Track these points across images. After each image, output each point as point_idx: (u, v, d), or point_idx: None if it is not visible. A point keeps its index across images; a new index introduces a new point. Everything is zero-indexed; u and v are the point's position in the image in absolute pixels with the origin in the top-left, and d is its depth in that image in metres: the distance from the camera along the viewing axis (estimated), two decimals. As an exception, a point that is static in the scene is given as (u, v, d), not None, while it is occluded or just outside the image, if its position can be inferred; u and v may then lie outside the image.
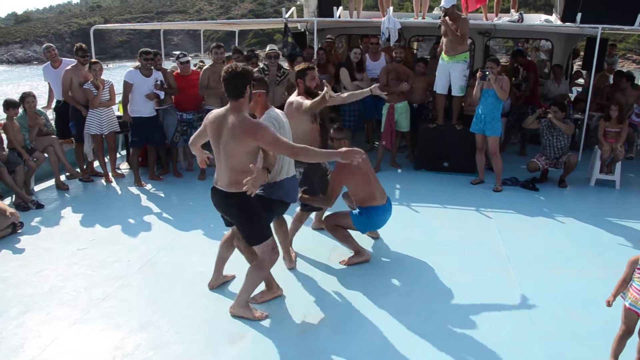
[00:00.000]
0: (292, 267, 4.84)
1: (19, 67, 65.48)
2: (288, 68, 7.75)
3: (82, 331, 3.86)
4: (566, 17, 8.62)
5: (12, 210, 5.61)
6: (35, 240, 5.49)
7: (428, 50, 12.79)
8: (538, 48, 12.72)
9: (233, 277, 4.57)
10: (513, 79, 9.63)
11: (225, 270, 4.51)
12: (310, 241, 5.39)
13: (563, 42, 10.46)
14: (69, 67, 7.39)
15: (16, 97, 7.36)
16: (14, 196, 6.54)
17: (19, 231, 5.62)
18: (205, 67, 7.51)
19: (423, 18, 9.63)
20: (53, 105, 8.17)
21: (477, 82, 7.10)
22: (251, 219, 3.79)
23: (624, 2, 8.33)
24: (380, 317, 4.04)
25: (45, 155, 7.13)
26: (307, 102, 4.71)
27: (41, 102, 8.03)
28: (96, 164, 7.83)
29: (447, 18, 7.22)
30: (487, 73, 6.84)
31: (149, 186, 7.30)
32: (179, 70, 7.64)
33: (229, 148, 3.61)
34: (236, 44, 11.79)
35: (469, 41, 8.20)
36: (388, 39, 8.42)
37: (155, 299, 4.31)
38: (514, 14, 9.51)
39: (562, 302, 4.28)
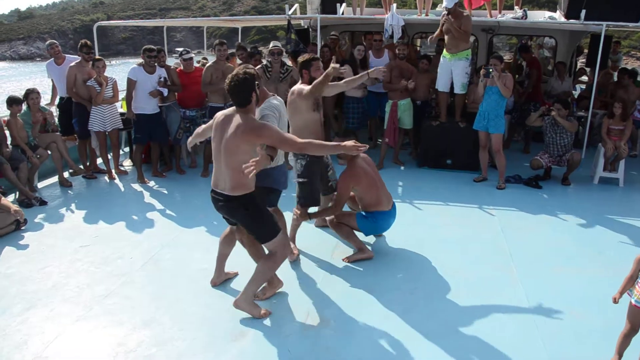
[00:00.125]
0: (293, 260, 4.86)
1: (22, 64, 65.62)
2: (291, 65, 7.74)
3: (85, 328, 3.87)
4: (570, 14, 8.58)
5: (17, 207, 5.63)
6: (38, 237, 5.51)
7: (432, 46, 12.74)
8: (542, 45, 12.67)
9: (236, 274, 4.58)
10: (517, 76, 9.61)
11: (229, 268, 4.51)
12: (313, 239, 5.39)
13: (567, 39, 10.42)
14: (73, 64, 7.39)
15: (19, 93, 7.37)
16: (17, 193, 6.56)
17: (23, 228, 5.64)
18: (208, 64, 7.50)
19: (426, 15, 9.60)
20: (56, 102, 8.19)
21: (480, 80, 7.09)
22: (260, 218, 3.80)
23: (628, -1, 8.29)
24: (383, 315, 4.04)
25: (49, 152, 7.15)
26: (309, 87, 4.68)
27: (44, 99, 8.04)
28: (99, 160, 7.84)
29: (449, 16, 7.19)
30: (491, 70, 6.83)
31: (152, 183, 7.31)
32: (182, 67, 7.64)
33: (231, 145, 3.61)
34: (239, 41, 11.79)
35: (472, 38, 8.18)
36: (391, 36, 8.40)
37: (158, 295, 4.32)
38: (518, 11, 9.47)
39: (564, 300, 4.27)
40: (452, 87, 7.64)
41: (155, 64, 7.21)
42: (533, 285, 4.51)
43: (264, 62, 7.54)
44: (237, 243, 4.35)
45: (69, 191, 7.03)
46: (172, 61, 8.89)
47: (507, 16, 9.51)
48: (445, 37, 7.41)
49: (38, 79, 34.43)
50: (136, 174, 7.43)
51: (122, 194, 7.04)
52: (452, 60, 7.41)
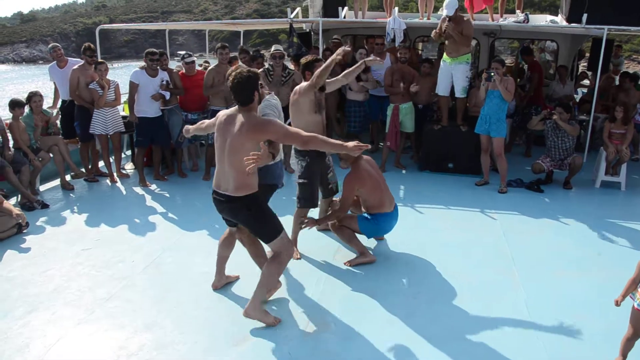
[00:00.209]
0: (296, 258, 4.91)
1: (25, 67, 65.76)
2: (293, 68, 7.75)
3: (87, 331, 3.87)
4: (572, 17, 8.60)
5: (18, 211, 5.64)
6: (40, 240, 5.52)
7: (433, 50, 12.77)
8: (543, 49, 12.67)
9: (237, 278, 4.57)
10: (518, 79, 9.61)
11: (229, 267, 4.50)
12: (314, 242, 5.38)
13: (568, 42, 10.42)
14: (76, 67, 7.41)
15: (21, 96, 7.39)
16: (19, 196, 6.57)
17: (24, 231, 5.65)
18: (210, 68, 7.51)
19: (428, 18, 9.61)
20: (58, 105, 8.21)
21: (482, 83, 7.09)
22: (263, 218, 3.80)
23: (630, 3, 8.30)
24: (384, 319, 4.03)
25: (51, 155, 7.16)
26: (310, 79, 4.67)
27: (47, 102, 8.05)
28: (101, 164, 7.85)
29: (450, 22, 7.18)
30: (492, 74, 6.83)
31: (153, 186, 7.32)
32: (183, 70, 7.65)
33: (235, 143, 3.61)
34: (241, 44, 11.81)
35: (474, 42, 8.18)
36: (393, 40, 8.41)
37: (160, 299, 4.32)
38: (520, 15, 9.48)
39: (566, 304, 4.27)
40: (453, 91, 7.64)
41: (158, 67, 7.23)
42: (535, 289, 4.50)
43: (266, 65, 7.55)
44: (237, 243, 4.35)
45: (71, 194, 7.04)
46: (174, 64, 8.91)
47: (509, 20, 9.52)
48: (446, 42, 7.42)
49: (40, 81, 34.51)
50: (138, 177, 7.43)
51: (124, 197, 7.04)
52: (453, 65, 7.42)
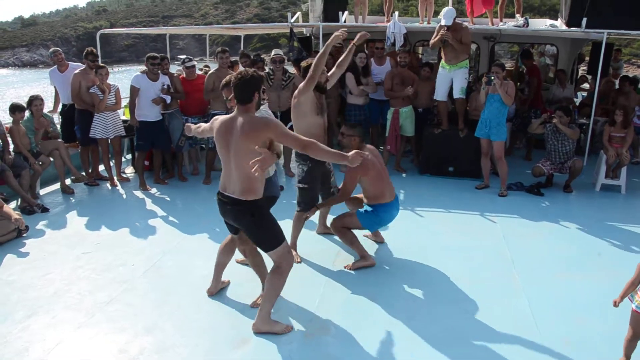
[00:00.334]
0: (297, 262, 4.88)
1: (25, 71, 65.90)
2: (294, 72, 7.77)
3: (87, 335, 3.86)
4: (571, 22, 8.62)
5: (17, 216, 5.62)
6: (40, 243, 5.51)
7: (434, 54, 12.78)
8: (543, 53, 12.70)
9: (228, 283, 4.57)
10: (518, 83, 9.62)
11: (230, 273, 4.50)
12: (314, 246, 5.38)
13: (568, 46, 10.44)
14: (77, 71, 7.43)
15: (21, 100, 7.40)
16: (19, 200, 6.57)
17: (24, 235, 5.65)
18: (210, 72, 7.52)
19: (428, 23, 9.64)
20: (59, 109, 8.22)
21: (482, 87, 7.10)
22: (265, 226, 3.78)
23: (630, 7, 8.31)
24: (385, 322, 4.03)
25: (51, 159, 7.16)
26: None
27: (47, 106, 8.06)
28: (101, 167, 7.86)
29: (449, 32, 7.19)
30: (493, 78, 6.85)
31: (154, 190, 7.32)
32: (184, 75, 7.67)
33: (240, 147, 3.60)
34: (242, 48, 11.84)
35: (474, 46, 8.19)
36: (393, 44, 8.43)
37: (160, 302, 4.31)
38: (519, 19, 9.51)
39: (566, 307, 4.26)
40: (451, 94, 7.65)
41: (159, 71, 7.24)
42: (535, 292, 4.50)
43: (267, 69, 7.56)
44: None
45: (71, 198, 7.04)
46: (174, 69, 8.92)
47: (509, 24, 9.55)
48: (444, 49, 7.43)
49: (41, 85, 34.50)
50: (138, 181, 7.44)
51: (124, 201, 7.05)
52: (452, 71, 7.44)
